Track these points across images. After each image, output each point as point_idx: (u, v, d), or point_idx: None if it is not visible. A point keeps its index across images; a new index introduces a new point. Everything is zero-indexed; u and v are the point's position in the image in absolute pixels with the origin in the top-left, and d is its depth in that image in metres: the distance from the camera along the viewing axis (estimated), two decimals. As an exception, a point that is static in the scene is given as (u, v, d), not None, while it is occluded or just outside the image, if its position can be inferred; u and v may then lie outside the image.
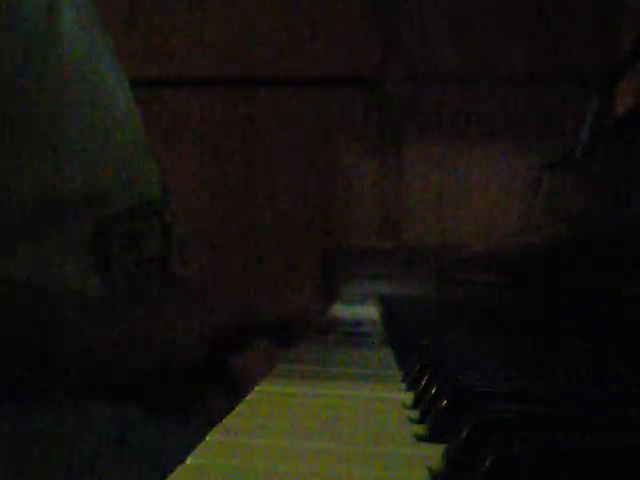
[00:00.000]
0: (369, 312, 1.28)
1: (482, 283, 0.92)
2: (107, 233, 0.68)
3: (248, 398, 0.45)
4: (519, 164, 2.32)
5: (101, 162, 0.69)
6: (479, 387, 0.38)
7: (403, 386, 0.51)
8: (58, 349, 0.60)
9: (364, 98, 2.45)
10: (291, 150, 2.45)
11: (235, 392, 0.76)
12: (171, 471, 0.29)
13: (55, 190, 0.64)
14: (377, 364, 0.64)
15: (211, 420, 0.37)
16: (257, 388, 0.48)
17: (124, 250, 0.70)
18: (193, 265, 0.81)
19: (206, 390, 0.76)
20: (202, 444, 0.33)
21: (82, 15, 0.72)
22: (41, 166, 0.64)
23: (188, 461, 0.30)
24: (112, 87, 0.75)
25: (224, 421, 0.38)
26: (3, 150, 0.62)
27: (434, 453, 0.32)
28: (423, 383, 0.45)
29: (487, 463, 0.25)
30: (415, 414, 0.41)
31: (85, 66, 0.72)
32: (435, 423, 0.36)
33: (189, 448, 0.32)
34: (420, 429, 0.37)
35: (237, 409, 0.41)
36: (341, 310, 1.27)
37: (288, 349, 0.68)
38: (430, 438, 0.36)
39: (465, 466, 0.28)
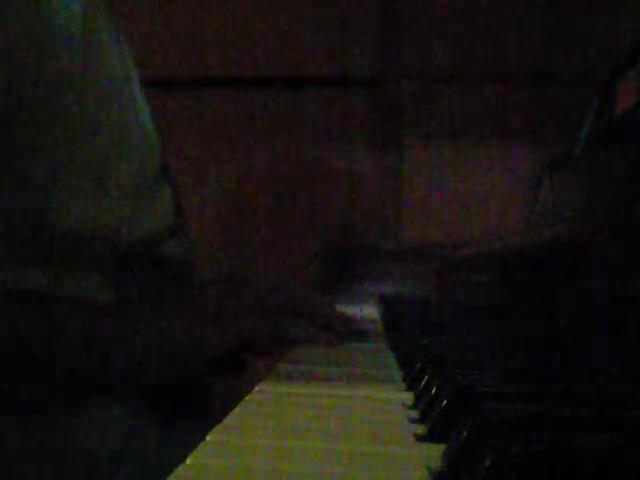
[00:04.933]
0: (369, 312, 1.28)
1: (482, 283, 0.92)
2: (126, 261, 0.68)
3: (248, 398, 0.45)
4: (519, 164, 2.32)
5: (121, 189, 0.68)
6: (479, 387, 0.38)
7: (403, 386, 0.51)
8: (72, 357, 0.60)
9: (364, 98, 2.45)
10: (290, 150, 2.45)
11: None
12: (171, 471, 0.29)
13: (74, 221, 0.64)
14: (377, 364, 0.64)
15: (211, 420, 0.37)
16: (257, 388, 0.48)
17: (144, 274, 0.70)
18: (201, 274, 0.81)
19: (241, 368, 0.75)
20: (202, 444, 0.33)
21: (112, 24, 0.71)
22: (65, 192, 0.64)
23: (188, 461, 0.30)
24: (139, 101, 0.75)
25: (224, 421, 0.38)
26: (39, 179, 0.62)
27: (434, 453, 0.32)
28: (423, 383, 0.45)
29: (487, 463, 0.25)
30: (415, 414, 0.41)
31: (120, 81, 0.71)
32: (435, 423, 0.36)
33: (189, 448, 0.32)
34: (420, 429, 0.37)
35: (237, 409, 0.41)
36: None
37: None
38: (430, 438, 0.36)
39: (465, 466, 0.28)
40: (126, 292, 0.68)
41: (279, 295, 0.72)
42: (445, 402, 0.36)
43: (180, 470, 0.29)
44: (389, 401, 0.45)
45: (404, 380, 0.53)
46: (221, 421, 0.37)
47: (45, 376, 0.60)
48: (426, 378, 0.45)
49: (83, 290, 0.65)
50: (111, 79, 0.69)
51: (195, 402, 0.76)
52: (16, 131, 0.61)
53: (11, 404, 0.61)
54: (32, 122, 0.62)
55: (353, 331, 0.80)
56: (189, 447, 0.32)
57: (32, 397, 0.61)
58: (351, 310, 1.14)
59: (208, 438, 0.34)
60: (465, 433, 0.30)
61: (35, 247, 0.63)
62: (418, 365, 0.51)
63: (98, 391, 0.64)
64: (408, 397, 0.46)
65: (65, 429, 0.63)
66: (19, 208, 0.62)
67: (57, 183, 0.63)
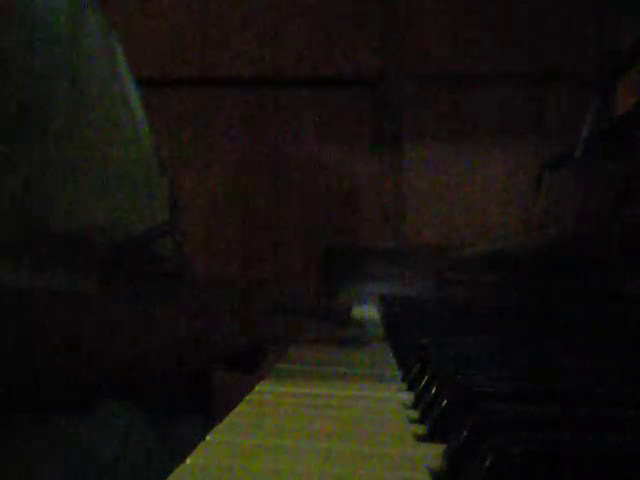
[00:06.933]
0: (369, 312, 1.28)
1: (482, 283, 0.92)
2: (120, 260, 0.68)
3: (248, 398, 0.45)
4: (519, 164, 2.32)
5: (114, 190, 0.68)
6: (479, 387, 0.38)
7: (403, 386, 0.51)
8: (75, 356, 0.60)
9: (364, 98, 2.45)
10: (290, 150, 2.45)
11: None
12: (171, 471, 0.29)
13: (70, 219, 0.64)
14: (377, 364, 0.64)
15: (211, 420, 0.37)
16: (257, 388, 0.48)
17: (138, 272, 0.70)
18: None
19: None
20: (202, 444, 0.33)
21: (102, 26, 0.71)
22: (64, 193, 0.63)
23: (188, 461, 0.30)
24: (131, 103, 0.74)
25: (224, 421, 0.38)
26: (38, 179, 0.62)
27: (434, 453, 0.32)
28: (423, 383, 0.45)
29: (487, 463, 0.25)
30: (415, 414, 0.41)
31: (110, 79, 0.71)
32: (435, 423, 0.36)
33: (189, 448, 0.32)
34: (420, 429, 0.37)
35: (237, 409, 0.41)
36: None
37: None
38: (430, 438, 0.36)
39: (465, 466, 0.28)
40: (120, 290, 0.68)
41: (294, 299, 0.72)
42: (445, 402, 0.36)
43: (180, 470, 0.29)
44: (389, 401, 0.45)
45: (404, 380, 0.53)
46: (221, 421, 0.37)
47: (45, 377, 0.60)
48: (426, 378, 0.45)
49: (78, 289, 0.65)
50: (101, 77, 0.70)
51: (196, 401, 0.76)
52: (11, 131, 0.61)
53: (11, 405, 0.60)
54: (25, 122, 0.62)
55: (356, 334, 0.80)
56: (189, 447, 0.32)
57: (32, 398, 0.61)
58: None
59: (208, 438, 0.34)
60: (465, 433, 0.30)
61: (31, 246, 0.63)
62: (418, 365, 0.51)
63: (99, 391, 0.64)
64: (408, 397, 0.46)
65: (65, 430, 0.63)
66: (16, 208, 0.62)
67: (52, 183, 0.63)
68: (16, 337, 0.58)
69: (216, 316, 0.66)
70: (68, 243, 0.64)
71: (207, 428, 0.35)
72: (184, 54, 2.49)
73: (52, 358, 0.59)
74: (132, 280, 0.69)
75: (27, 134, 0.62)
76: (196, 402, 0.77)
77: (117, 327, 0.62)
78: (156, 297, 0.69)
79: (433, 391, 0.40)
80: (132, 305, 0.66)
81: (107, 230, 0.66)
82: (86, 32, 0.67)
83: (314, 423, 0.38)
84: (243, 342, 0.66)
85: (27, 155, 0.62)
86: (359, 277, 2.12)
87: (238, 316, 0.67)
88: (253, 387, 0.48)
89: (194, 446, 0.32)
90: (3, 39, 0.60)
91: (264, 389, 0.48)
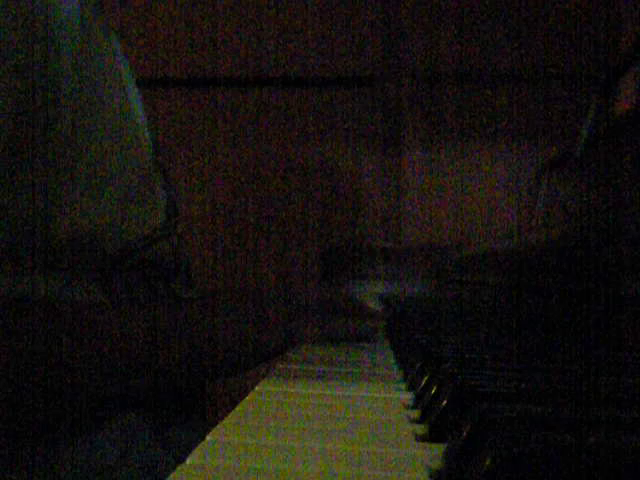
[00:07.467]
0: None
1: (482, 283, 0.92)
2: (114, 266, 0.68)
3: (248, 398, 0.45)
4: (519, 164, 2.32)
5: (113, 191, 0.68)
6: (479, 387, 0.38)
7: (403, 386, 0.51)
8: (70, 364, 0.60)
9: (364, 98, 2.45)
10: (291, 150, 2.45)
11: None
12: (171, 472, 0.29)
13: (70, 224, 0.64)
14: (377, 364, 0.64)
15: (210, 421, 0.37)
16: (257, 388, 0.48)
17: (132, 277, 0.69)
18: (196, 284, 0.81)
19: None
20: (202, 444, 0.33)
21: (103, 19, 0.71)
22: (69, 199, 0.63)
23: (188, 461, 0.30)
24: (132, 99, 0.74)
25: (224, 421, 0.38)
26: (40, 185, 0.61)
27: (434, 453, 0.32)
28: (423, 383, 0.45)
29: (487, 463, 0.25)
30: (415, 414, 0.41)
31: (112, 78, 0.70)
32: (435, 423, 0.36)
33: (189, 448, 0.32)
34: (420, 429, 0.37)
35: (237, 409, 0.41)
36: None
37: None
38: (430, 438, 0.36)
39: (465, 466, 0.28)
40: (118, 295, 0.68)
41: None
42: (445, 402, 0.36)
43: (180, 470, 0.29)
44: (389, 401, 0.45)
45: (404, 380, 0.53)
46: (221, 421, 0.37)
47: (51, 385, 0.59)
48: (426, 378, 0.45)
49: (75, 294, 0.65)
50: (104, 76, 0.69)
51: (193, 404, 0.76)
52: (19, 133, 0.61)
53: (10, 412, 0.60)
54: (33, 124, 0.61)
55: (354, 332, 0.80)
56: (187, 448, 0.32)
57: (33, 408, 0.61)
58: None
59: (208, 438, 0.34)
60: (465, 433, 0.30)
61: (31, 252, 0.62)
62: (418, 365, 0.51)
63: (104, 398, 0.63)
64: (408, 397, 0.46)
65: (65, 436, 0.63)
66: (18, 212, 0.62)
67: (54, 186, 0.63)
68: (13, 343, 0.58)
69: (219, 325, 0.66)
70: (63, 246, 0.64)
71: (207, 428, 0.35)
72: (185, 55, 2.49)
73: (49, 365, 0.59)
74: (129, 284, 0.69)
75: (31, 135, 0.62)
76: (195, 403, 0.77)
77: (115, 333, 0.62)
78: (154, 303, 0.69)
79: (433, 391, 0.40)
80: (130, 312, 0.66)
81: (104, 233, 0.66)
82: (92, 35, 0.67)
83: (314, 423, 0.38)
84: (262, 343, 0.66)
85: (27, 157, 0.62)
86: (359, 277, 2.12)
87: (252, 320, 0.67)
88: (253, 387, 0.48)
89: (194, 446, 0.32)
90: (26, 33, 0.60)
91: (264, 389, 0.48)
